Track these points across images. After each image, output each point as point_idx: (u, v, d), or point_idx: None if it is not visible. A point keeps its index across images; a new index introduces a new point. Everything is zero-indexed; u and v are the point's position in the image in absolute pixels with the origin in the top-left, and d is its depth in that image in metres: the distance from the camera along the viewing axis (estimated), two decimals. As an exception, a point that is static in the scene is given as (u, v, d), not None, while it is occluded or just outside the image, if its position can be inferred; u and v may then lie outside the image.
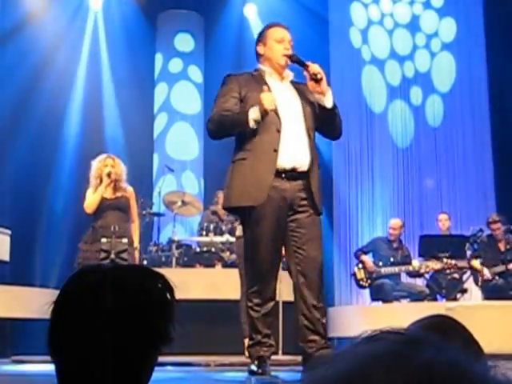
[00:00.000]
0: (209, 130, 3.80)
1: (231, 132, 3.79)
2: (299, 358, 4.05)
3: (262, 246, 3.65)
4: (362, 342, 0.51)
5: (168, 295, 1.07)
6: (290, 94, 3.85)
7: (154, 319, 1.04)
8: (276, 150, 3.64)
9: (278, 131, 3.67)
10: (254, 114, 3.60)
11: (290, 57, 3.83)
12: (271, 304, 3.76)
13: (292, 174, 3.69)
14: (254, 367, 3.80)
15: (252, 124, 3.60)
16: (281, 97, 3.76)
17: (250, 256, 3.72)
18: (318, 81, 3.72)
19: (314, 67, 3.72)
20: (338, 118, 3.87)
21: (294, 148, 3.69)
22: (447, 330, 1.17)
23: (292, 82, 3.94)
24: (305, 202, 3.71)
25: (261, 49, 3.93)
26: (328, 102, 3.76)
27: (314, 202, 3.71)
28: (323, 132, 3.97)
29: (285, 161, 3.66)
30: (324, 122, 3.84)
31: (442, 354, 0.46)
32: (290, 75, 3.95)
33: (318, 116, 3.82)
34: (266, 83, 3.77)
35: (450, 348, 0.47)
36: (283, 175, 3.67)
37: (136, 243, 5.62)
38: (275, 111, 3.67)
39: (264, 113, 3.58)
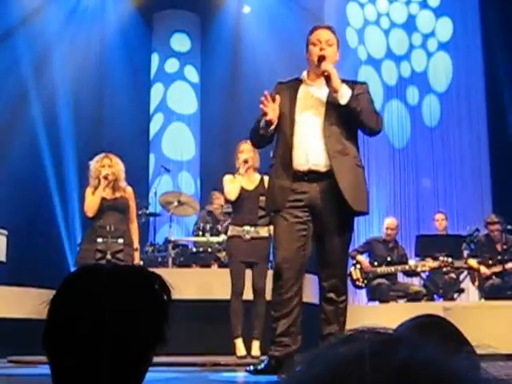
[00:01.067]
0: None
1: (259, 139, 3.94)
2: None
3: (281, 246, 3.74)
4: (337, 343, 0.50)
5: (164, 296, 1.06)
6: (317, 97, 3.83)
7: (149, 320, 1.04)
8: (290, 155, 3.72)
9: (292, 136, 3.73)
10: (261, 123, 3.74)
11: (318, 58, 3.81)
12: (292, 304, 3.72)
13: (312, 176, 3.71)
14: (251, 367, 3.80)
15: (262, 132, 3.75)
16: (304, 101, 3.81)
17: (274, 257, 3.86)
18: (327, 78, 3.71)
19: (324, 65, 3.74)
20: (364, 114, 3.75)
21: (308, 150, 3.71)
22: (436, 330, 1.16)
23: None
24: (328, 203, 3.70)
25: (306, 55, 3.95)
26: (342, 99, 3.73)
27: (339, 202, 3.67)
28: (359, 129, 3.89)
29: (299, 163, 3.71)
30: (351, 120, 3.79)
31: (419, 352, 0.45)
32: None
33: (346, 115, 3.77)
34: (296, 89, 3.85)
35: (427, 346, 0.47)
36: (305, 178, 3.71)
37: (136, 244, 5.59)
38: (290, 116, 3.75)
39: (268, 120, 3.68)
